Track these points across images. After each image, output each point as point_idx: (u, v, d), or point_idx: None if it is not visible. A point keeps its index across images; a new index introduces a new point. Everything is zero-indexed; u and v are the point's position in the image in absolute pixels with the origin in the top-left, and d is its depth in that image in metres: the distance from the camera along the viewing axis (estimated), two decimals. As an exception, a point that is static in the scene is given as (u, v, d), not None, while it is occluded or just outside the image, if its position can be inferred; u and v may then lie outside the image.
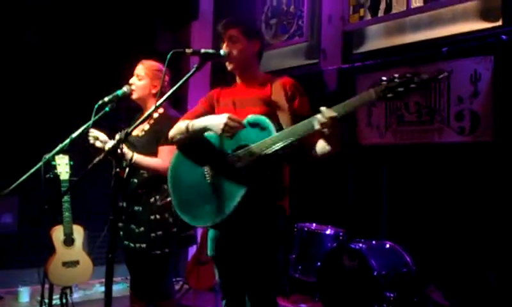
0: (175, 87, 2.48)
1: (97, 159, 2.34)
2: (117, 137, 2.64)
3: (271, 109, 2.44)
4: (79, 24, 5.22)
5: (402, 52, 4.52)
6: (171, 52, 2.49)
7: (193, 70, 2.47)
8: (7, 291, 4.74)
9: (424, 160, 4.30)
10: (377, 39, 4.83)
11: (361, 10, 4.90)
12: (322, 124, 2.12)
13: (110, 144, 2.83)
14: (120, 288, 3.47)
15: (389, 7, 4.68)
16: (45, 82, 5.06)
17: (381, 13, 4.73)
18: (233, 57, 2.54)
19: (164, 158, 2.93)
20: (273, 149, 2.24)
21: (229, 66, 2.57)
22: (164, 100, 2.55)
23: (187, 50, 2.53)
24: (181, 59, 4.36)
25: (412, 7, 4.49)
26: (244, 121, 2.35)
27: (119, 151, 2.62)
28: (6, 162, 4.54)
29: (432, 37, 4.34)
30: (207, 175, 2.44)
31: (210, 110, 2.62)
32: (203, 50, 2.50)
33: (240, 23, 2.60)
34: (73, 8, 5.17)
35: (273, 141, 2.24)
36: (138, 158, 2.94)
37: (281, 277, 2.51)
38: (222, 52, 2.53)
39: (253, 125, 2.33)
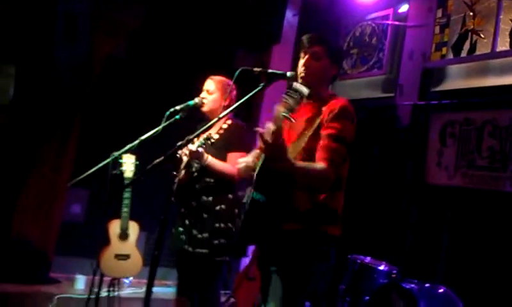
0: (239, 102, 2.59)
1: (157, 160, 2.48)
2: (178, 143, 2.79)
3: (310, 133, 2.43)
4: (163, 39, 5.51)
5: (481, 94, 4.37)
6: (239, 69, 2.62)
7: (258, 88, 2.56)
8: (66, 277, 4.95)
9: (492, 207, 4.09)
10: (456, 79, 4.69)
11: (444, 48, 4.79)
12: None
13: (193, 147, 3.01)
14: (173, 291, 3.57)
15: (473, 48, 4.54)
16: (129, 91, 5.39)
17: (464, 53, 4.61)
18: (310, 73, 2.52)
19: (233, 164, 3.05)
20: None
21: (301, 81, 2.51)
22: (228, 112, 2.70)
23: (255, 69, 2.64)
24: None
25: (497, 50, 4.34)
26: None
27: (197, 151, 2.83)
28: (83, 159, 4.83)
29: (516, 82, 4.19)
30: None
31: None
32: (270, 70, 2.58)
33: (327, 42, 2.57)
34: (158, 24, 5.45)
35: None
36: (212, 161, 3.07)
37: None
38: (289, 74, 2.51)
39: None
